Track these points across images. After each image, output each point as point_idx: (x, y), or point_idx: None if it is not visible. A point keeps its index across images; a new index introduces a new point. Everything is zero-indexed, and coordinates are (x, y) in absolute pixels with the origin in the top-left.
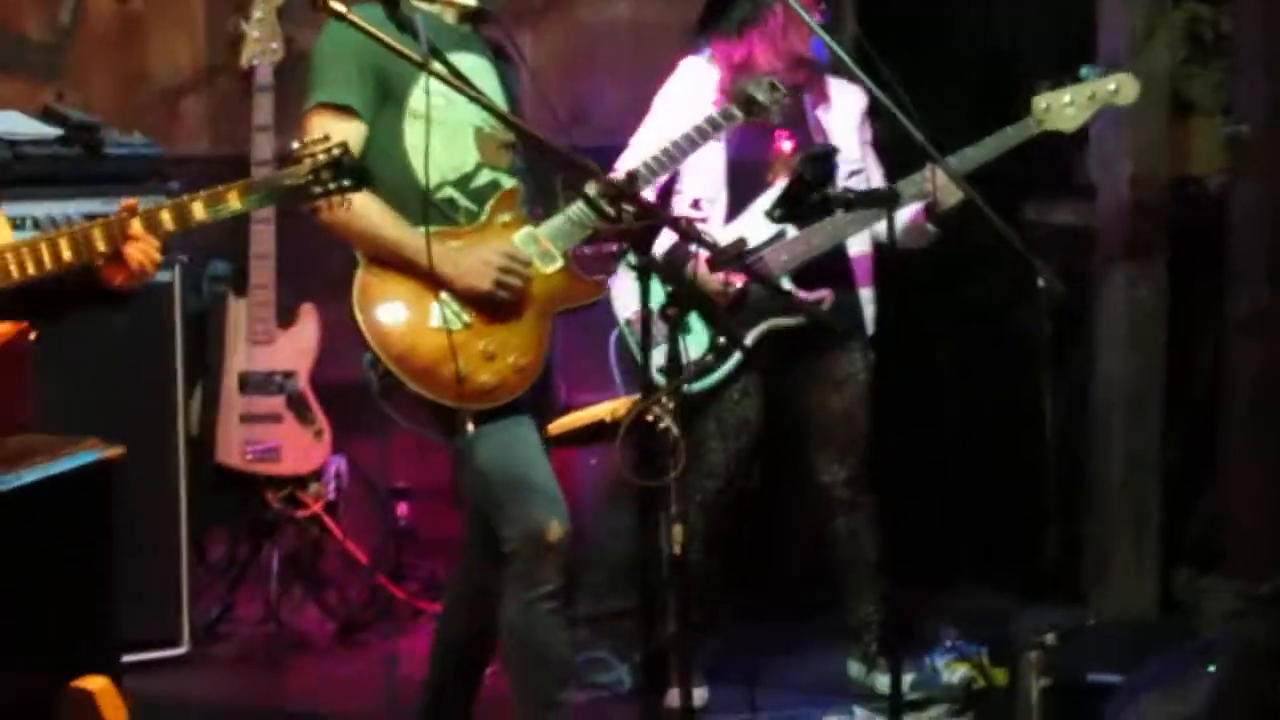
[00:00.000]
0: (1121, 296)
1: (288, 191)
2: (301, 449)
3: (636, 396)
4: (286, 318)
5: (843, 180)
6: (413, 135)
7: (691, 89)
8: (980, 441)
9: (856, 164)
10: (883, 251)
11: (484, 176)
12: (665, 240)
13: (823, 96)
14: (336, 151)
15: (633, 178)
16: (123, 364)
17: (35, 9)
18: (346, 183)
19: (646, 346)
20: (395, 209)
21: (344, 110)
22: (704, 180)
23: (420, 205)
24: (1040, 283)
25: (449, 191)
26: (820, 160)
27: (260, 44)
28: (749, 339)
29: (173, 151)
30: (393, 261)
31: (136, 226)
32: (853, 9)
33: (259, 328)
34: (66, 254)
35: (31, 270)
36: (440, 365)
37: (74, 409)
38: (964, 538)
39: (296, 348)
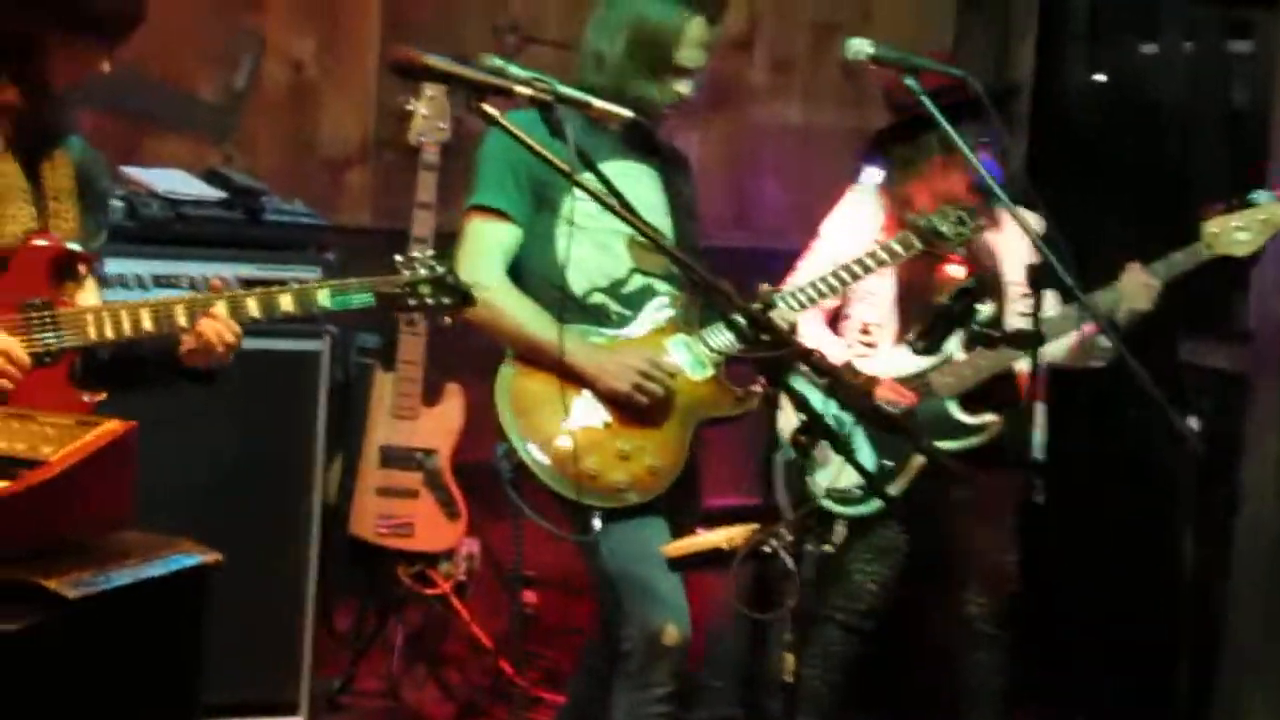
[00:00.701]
0: (1272, 451)
1: (380, 298)
2: (435, 527)
3: (755, 526)
4: (432, 395)
5: (1014, 306)
6: (565, 241)
7: (857, 220)
8: (1117, 575)
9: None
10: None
11: (636, 282)
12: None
13: (993, 220)
14: (440, 269)
15: (767, 304)
16: (266, 429)
17: (210, 71)
18: (446, 301)
19: (769, 477)
20: (547, 310)
21: (498, 214)
22: (872, 305)
23: (572, 308)
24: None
25: (599, 298)
26: (966, 294)
27: (429, 122)
28: (914, 463)
29: (334, 221)
30: (539, 359)
31: (220, 308)
32: (1025, 131)
33: (404, 403)
34: (146, 323)
35: (110, 334)
36: (571, 462)
37: (216, 470)
38: (1092, 672)
39: (440, 426)
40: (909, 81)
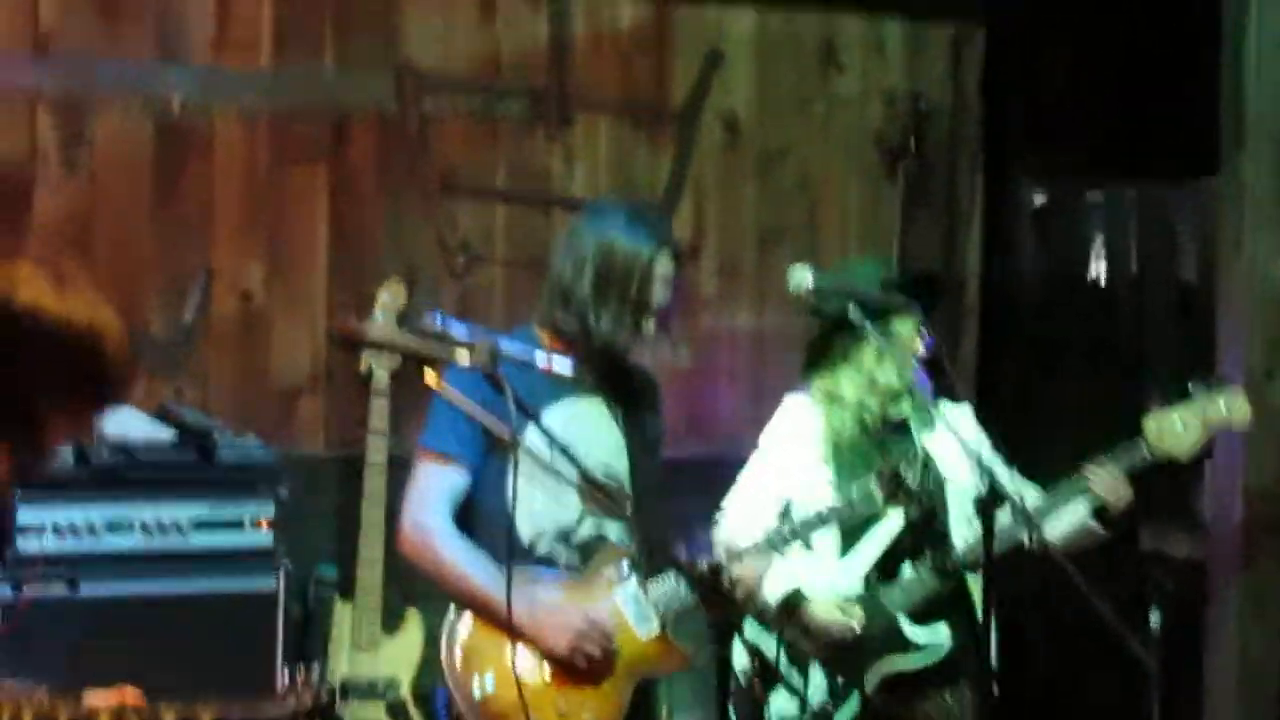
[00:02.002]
0: (1234, 645)
1: None
2: None
3: None
4: (392, 624)
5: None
6: (513, 489)
7: (795, 428)
8: None
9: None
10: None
11: (587, 529)
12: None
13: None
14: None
15: (716, 570)
16: (223, 672)
17: (159, 306)
18: None
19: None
20: (495, 558)
21: (446, 457)
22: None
23: (518, 556)
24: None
25: (550, 544)
26: (920, 527)
27: (379, 349)
28: (869, 682)
29: (288, 450)
30: (480, 610)
31: None
32: (976, 320)
33: (364, 633)
34: None
35: None
36: (511, 716)
37: None
38: None
39: (400, 655)
40: (852, 313)
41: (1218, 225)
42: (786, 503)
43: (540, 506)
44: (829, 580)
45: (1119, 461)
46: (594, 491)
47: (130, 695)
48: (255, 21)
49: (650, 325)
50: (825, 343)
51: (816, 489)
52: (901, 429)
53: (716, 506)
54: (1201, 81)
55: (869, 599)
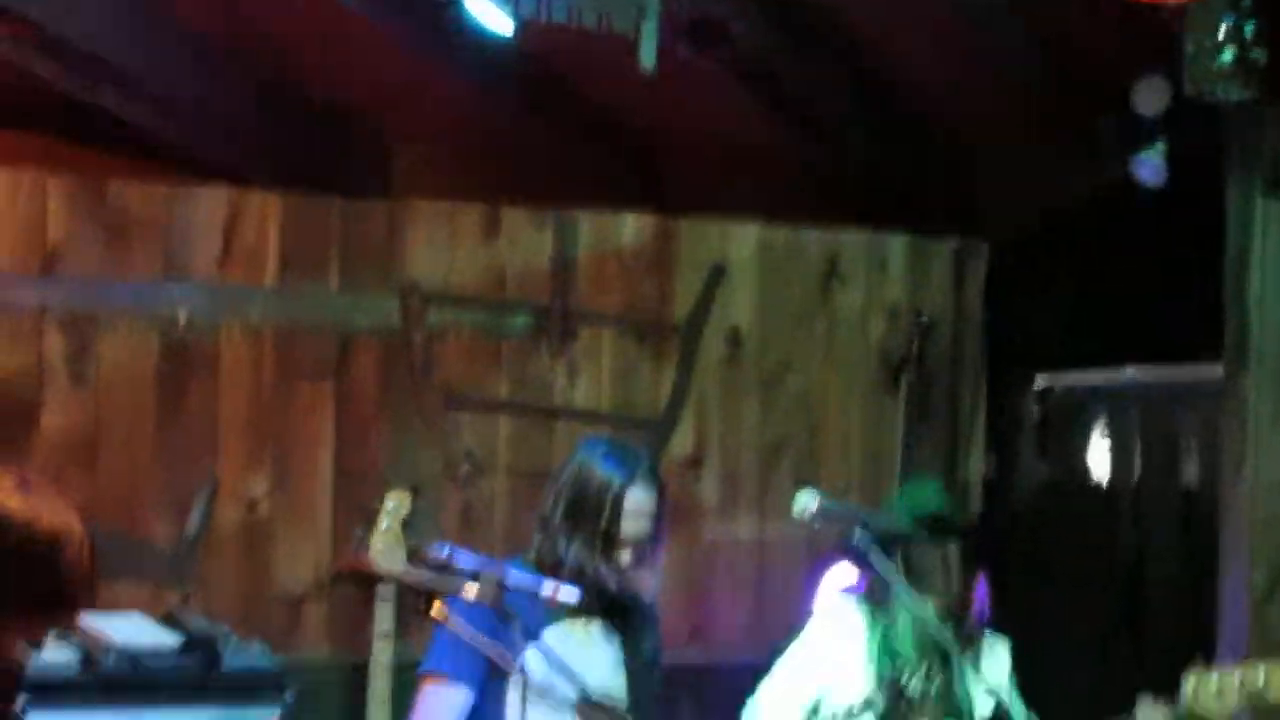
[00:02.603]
0: None
1: None
2: None
3: None
4: None
5: None
6: (513, 712)
7: (841, 627)
8: None
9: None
10: None
11: None
12: None
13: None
14: None
15: None
16: None
17: (163, 515)
18: None
19: None
20: None
21: (449, 678)
22: None
23: None
24: None
25: None
26: None
27: (384, 554)
28: None
29: (293, 656)
30: None
31: None
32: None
33: None
34: None
35: None
36: None
37: None
38: None
39: None
40: (859, 537)
41: (1221, 441)
42: (817, 700)
43: None
44: None
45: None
46: (591, 711)
47: None
48: (261, 240)
49: (624, 557)
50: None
51: (852, 691)
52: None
53: (715, 713)
54: (1205, 300)
55: None
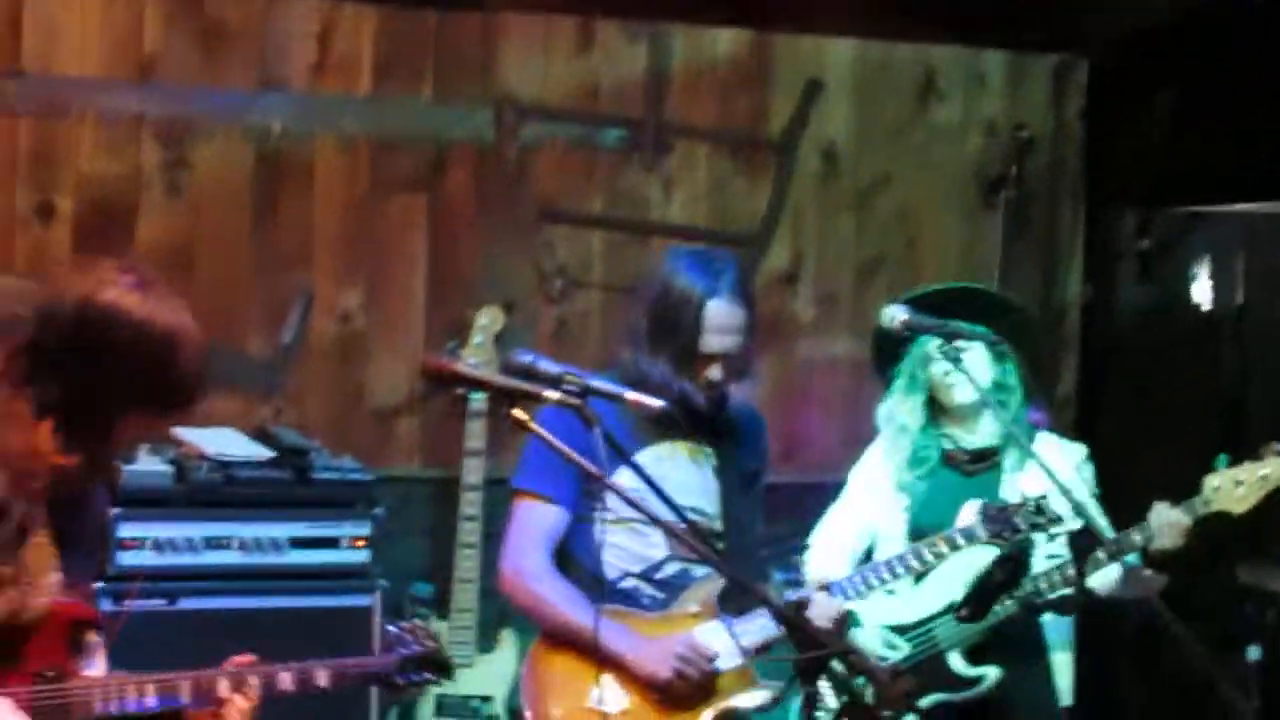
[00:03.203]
0: None
1: (375, 679)
2: None
3: None
4: (487, 643)
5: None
6: (601, 528)
7: (877, 457)
8: None
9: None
10: (1088, 615)
11: (672, 567)
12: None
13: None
14: (430, 645)
15: (803, 604)
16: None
17: (258, 327)
18: (429, 675)
19: None
20: (583, 592)
21: (542, 497)
22: (893, 546)
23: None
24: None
25: (632, 582)
26: (1012, 562)
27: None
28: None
29: (384, 471)
30: (575, 643)
31: (224, 688)
32: (1076, 354)
33: (459, 651)
34: (151, 699)
35: (114, 708)
36: None
37: None
38: None
39: (495, 673)
40: (944, 349)
41: None
42: (872, 537)
43: (626, 544)
44: (892, 608)
45: (1171, 515)
46: (681, 532)
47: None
48: (356, 50)
49: (712, 372)
50: (886, 368)
51: (895, 520)
52: (985, 461)
53: (805, 532)
54: None
55: (924, 632)
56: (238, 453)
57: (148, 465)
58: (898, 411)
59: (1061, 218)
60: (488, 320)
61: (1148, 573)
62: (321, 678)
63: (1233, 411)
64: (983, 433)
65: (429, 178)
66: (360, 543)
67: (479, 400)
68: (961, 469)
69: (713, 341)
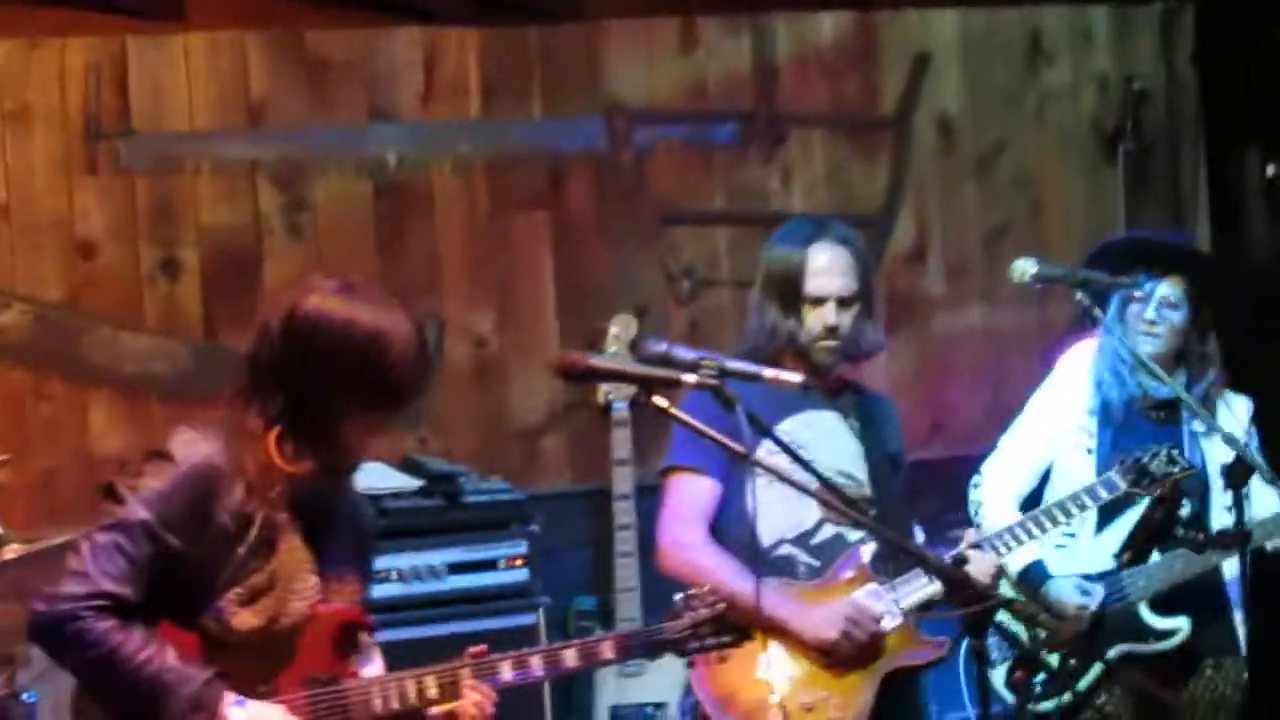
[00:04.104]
0: None
1: (664, 644)
2: None
3: None
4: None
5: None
6: (754, 496)
7: (1063, 392)
8: None
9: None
10: (1261, 567)
11: (826, 532)
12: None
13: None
14: (720, 607)
15: (962, 560)
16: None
17: None
18: (726, 639)
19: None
20: (742, 561)
21: (694, 470)
22: (1071, 486)
23: (760, 562)
24: None
25: (787, 549)
26: (1162, 502)
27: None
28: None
29: (534, 489)
30: (741, 614)
31: (507, 671)
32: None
33: (628, 662)
34: (431, 691)
35: (395, 704)
36: (757, 714)
37: None
38: None
39: (666, 679)
40: (1078, 297)
41: None
42: (1047, 466)
43: (779, 512)
44: (1079, 558)
45: None
46: (832, 496)
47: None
48: (462, 75)
49: (826, 314)
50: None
51: (1076, 457)
52: (1173, 410)
53: (956, 506)
54: None
55: (1114, 581)
56: (387, 485)
57: None
58: (1099, 355)
59: (1183, 166)
60: (620, 328)
61: None
62: (607, 650)
63: None
64: (1164, 384)
65: (548, 193)
66: (518, 562)
67: (622, 409)
68: (1149, 416)
69: (821, 283)
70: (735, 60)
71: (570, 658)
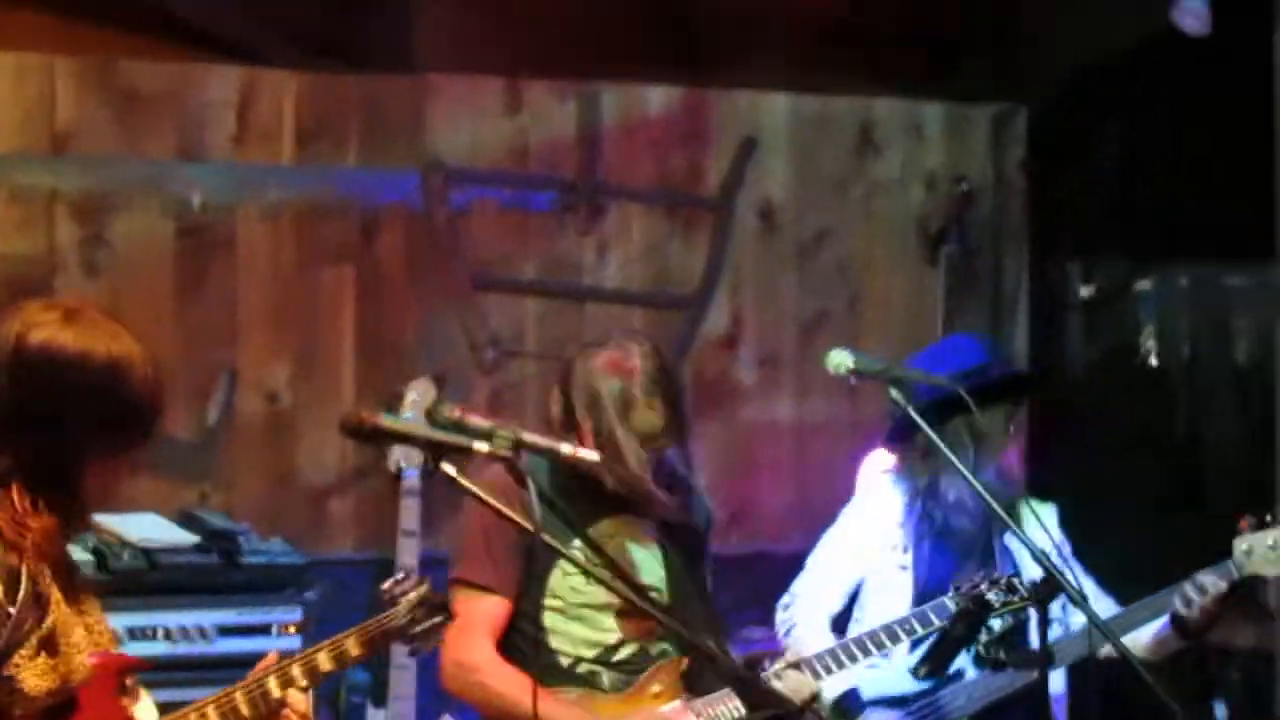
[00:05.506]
0: None
1: (395, 633)
2: None
3: None
4: None
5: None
6: (550, 618)
7: (873, 507)
8: None
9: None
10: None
11: (628, 649)
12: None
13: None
14: (423, 590)
15: (761, 674)
16: None
17: (182, 408)
18: (439, 619)
19: None
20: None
21: (482, 588)
22: (887, 610)
23: (561, 676)
24: None
25: (587, 667)
26: (965, 615)
27: (407, 449)
28: None
29: (317, 553)
30: None
31: (274, 686)
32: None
33: None
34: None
35: None
36: None
37: None
38: None
39: None
40: (894, 395)
41: (1276, 316)
42: (858, 584)
43: (577, 629)
44: (890, 678)
45: (1207, 581)
46: (637, 610)
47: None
48: (277, 118)
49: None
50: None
51: (891, 575)
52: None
53: (759, 601)
54: (1255, 160)
55: (931, 702)
56: (161, 538)
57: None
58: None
59: (1006, 269)
60: (418, 394)
61: (1173, 637)
62: (353, 647)
63: (1185, 464)
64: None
65: (357, 246)
66: (291, 629)
67: (413, 477)
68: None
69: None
70: (559, 126)
71: (324, 661)
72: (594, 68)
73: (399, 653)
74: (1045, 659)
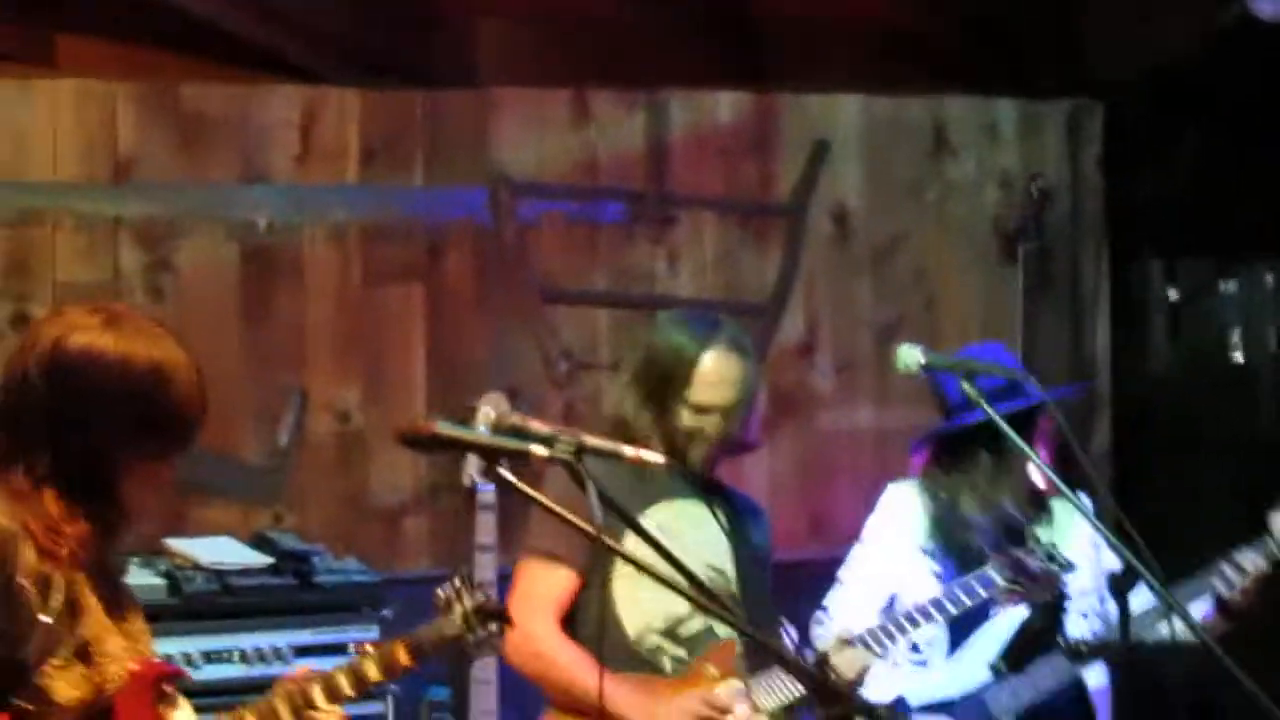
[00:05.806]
0: None
1: (450, 640)
2: None
3: None
4: None
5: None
6: (621, 585)
7: (895, 520)
8: None
9: (1087, 589)
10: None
11: (696, 623)
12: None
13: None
14: (481, 597)
15: (822, 662)
16: None
17: (252, 432)
18: (494, 627)
19: None
20: (598, 657)
21: (552, 558)
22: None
23: (624, 656)
24: None
25: (655, 640)
26: (1049, 609)
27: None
28: None
29: (392, 572)
30: (586, 710)
31: (318, 696)
32: (1108, 410)
33: None
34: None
35: None
36: None
37: None
38: None
39: None
40: (966, 387)
41: None
42: (891, 597)
43: (648, 599)
44: (934, 681)
45: (1245, 560)
46: (696, 592)
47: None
48: (341, 138)
49: (706, 422)
50: (947, 449)
51: (920, 581)
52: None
53: None
54: None
55: (976, 703)
56: (234, 560)
57: (138, 578)
58: (948, 490)
59: (1085, 269)
60: (489, 409)
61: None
62: (402, 656)
63: (1272, 462)
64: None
65: (425, 264)
66: (369, 648)
67: (487, 492)
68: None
69: (708, 394)
70: (627, 136)
71: (370, 670)
72: (660, 76)
73: (481, 668)
74: (1128, 648)
